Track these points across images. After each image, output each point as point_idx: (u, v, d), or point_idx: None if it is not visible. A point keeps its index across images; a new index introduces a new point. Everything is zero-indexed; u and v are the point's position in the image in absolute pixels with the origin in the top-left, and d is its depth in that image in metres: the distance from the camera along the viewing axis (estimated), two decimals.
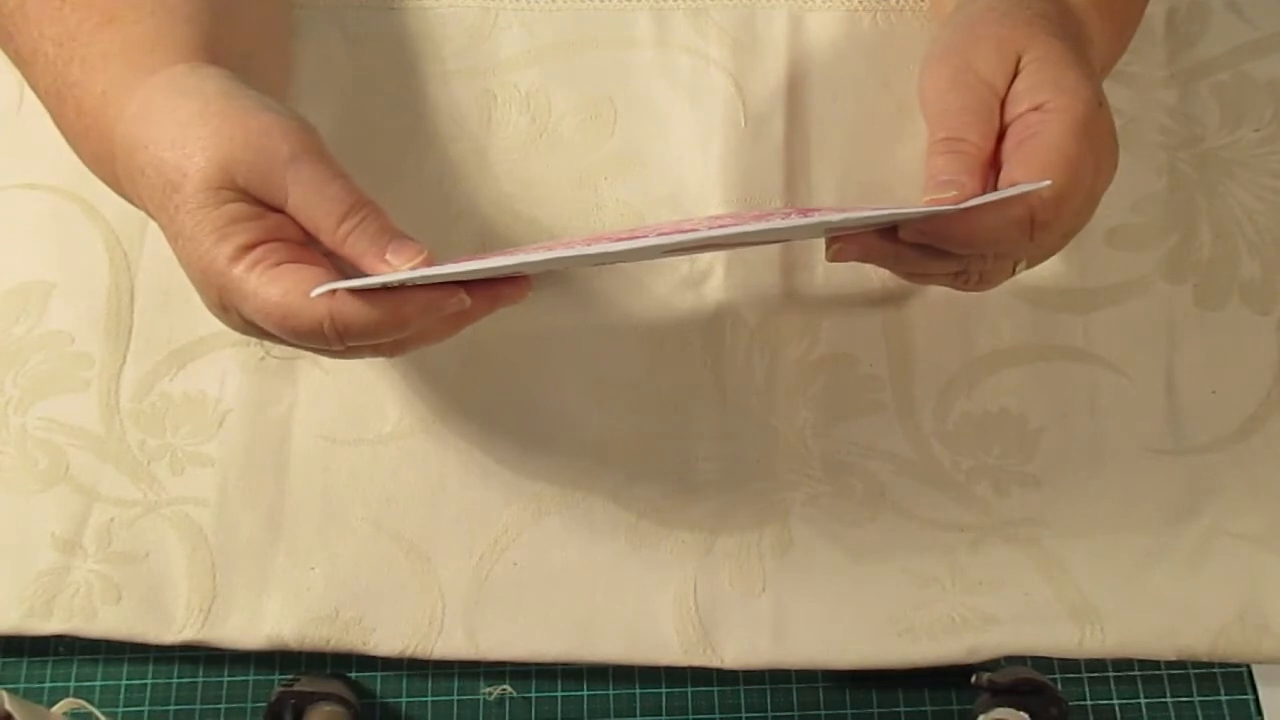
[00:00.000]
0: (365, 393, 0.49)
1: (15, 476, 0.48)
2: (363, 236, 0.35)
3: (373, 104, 0.51)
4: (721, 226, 0.35)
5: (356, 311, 0.34)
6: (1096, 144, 0.38)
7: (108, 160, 0.38)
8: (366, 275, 0.34)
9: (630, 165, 0.51)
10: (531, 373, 0.49)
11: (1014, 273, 0.41)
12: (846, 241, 0.39)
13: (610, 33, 0.53)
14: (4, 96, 0.52)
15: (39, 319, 0.49)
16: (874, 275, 0.49)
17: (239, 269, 0.34)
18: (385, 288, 0.34)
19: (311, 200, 0.34)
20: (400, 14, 0.53)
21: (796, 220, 0.35)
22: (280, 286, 0.34)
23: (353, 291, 0.33)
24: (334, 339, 0.34)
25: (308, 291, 0.33)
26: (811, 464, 0.48)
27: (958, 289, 0.42)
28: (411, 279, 0.34)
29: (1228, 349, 0.49)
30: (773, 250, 0.50)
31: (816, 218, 0.35)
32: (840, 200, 0.50)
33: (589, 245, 0.34)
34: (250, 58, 0.41)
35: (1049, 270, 0.50)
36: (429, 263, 0.35)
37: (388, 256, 0.34)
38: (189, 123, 0.35)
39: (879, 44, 0.52)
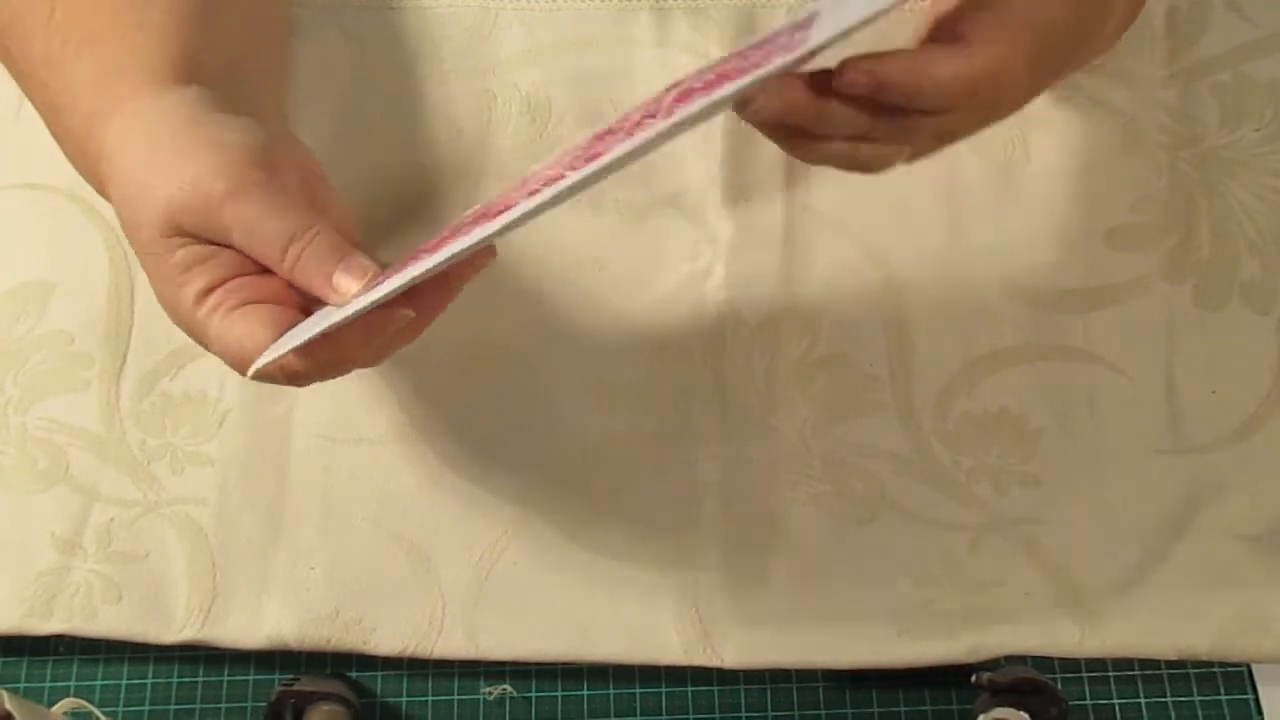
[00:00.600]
0: (365, 393, 0.49)
1: (15, 476, 0.48)
2: (307, 265, 0.34)
3: (372, 104, 0.51)
4: (629, 135, 0.31)
5: (300, 363, 0.33)
6: (1052, 46, 0.36)
7: (100, 186, 0.38)
8: (322, 302, 0.34)
9: (630, 165, 0.51)
10: (531, 373, 0.49)
11: (909, 159, 0.38)
12: (768, 97, 0.34)
13: (610, 33, 0.53)
14: (4, 98, 0.53)
15: (39, 319, 0.49)
16: (874, 274, 0.49)
17: (201, 313, 0.34)
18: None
19: (252, 237, 0.34)
20: (400, 14, 0.53)
21: (700, 102, 0.30)
22: (238, 332, 0.33)
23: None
24: (289, 383, 0.34)
25: (258, 339, 0.33)
26: (811, 464, 0.48)
27: (845, 167, 0.38)
28: (335, 323, 0.32)
29: (1228, 349, 0.49)
30: (773, 250, 0.50)
31: (728, 87, 0.30)
32: (842, 198, 0.50)
33: (502, 217, 0.31)
34: (241, 63, 0.41)
35: (1049, 270, 0.50)
36: (377, 278, 0.34)
37: (334, 283, 0.34)
38: (140, 168, 0.35)
39: (879, 44, 0.52)
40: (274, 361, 0.33)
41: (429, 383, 0.49)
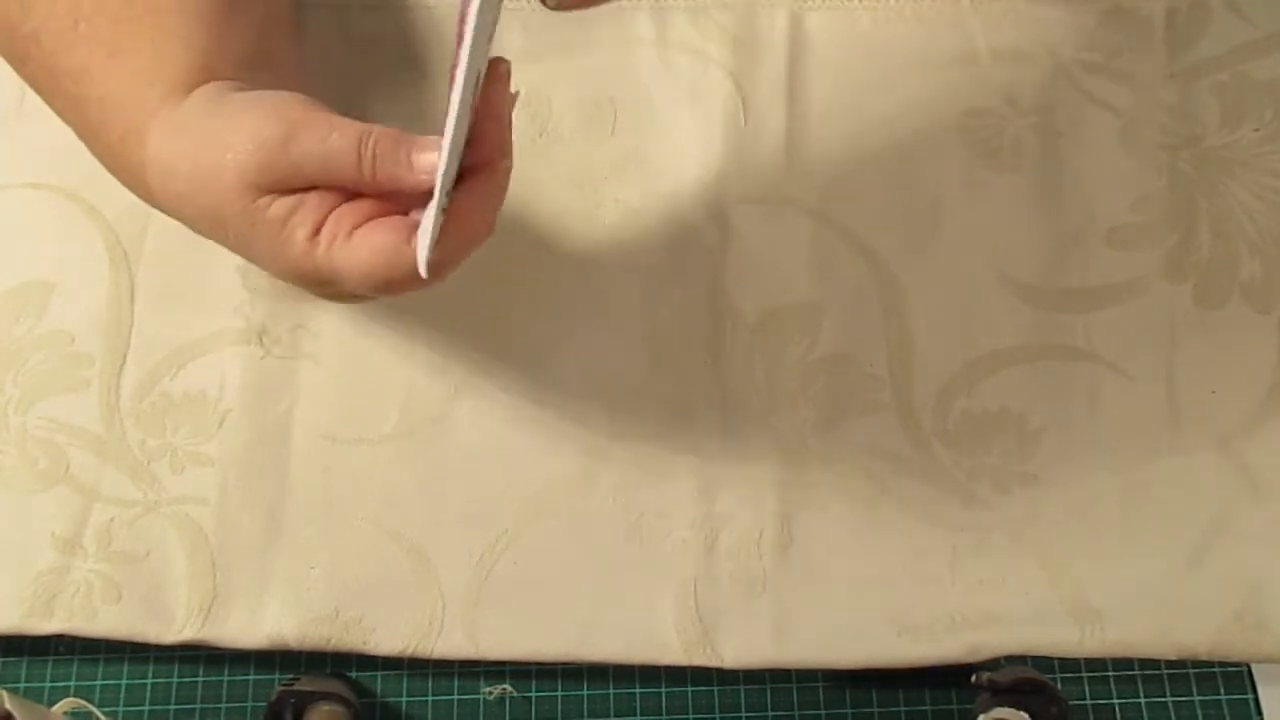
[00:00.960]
0: (365, 392, 0.49)
1: (15, 476, 0.48)
2: (384, 161, 0.34)
3: (373, 104, 0.51)
4: None
5: (446, 253, 0.34)
6: None
7: (147, 195, 0.38)
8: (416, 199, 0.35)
9: (630, 165, 0.51)
10: (531, 373, 0.49)
11: None
12: None
13: (610, 32, 0.53)
14: (5, 96, 0.53)
15: (39, 319, 0.49)
16: (873, 274, 0.50)
17: (319, 253, 0.35)
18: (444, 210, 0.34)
19: (325, 166, 0.34)
20: (400, 14, 0.53)
21: None
22: (365, 251, 0.34)
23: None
24: (436, 280, 0.34)
25: (390, 246, 0.34)
26: (811, 464, 0.48)
27: None
28: (442, 199, 0.33)
29: (1228, 349, 0.49)
30: (773, 249, 0.50)
31: None
32: (842, 198, 0.50)
33: (466, 29, 0.32)
34: (257, 58, 0.41)
35: (1049, 270, 0.50)
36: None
37: (414, 163, 0.34)
38: (194, 163, 0.35)
39: (879, 44, 0.52)
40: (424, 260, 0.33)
41: (430, 383, 0.49)
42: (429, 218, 0.33)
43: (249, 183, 0.34)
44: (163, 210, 0.39)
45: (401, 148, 0.34)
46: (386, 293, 0.35)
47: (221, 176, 0.35)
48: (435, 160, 0.33)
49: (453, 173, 0.33)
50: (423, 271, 0.33)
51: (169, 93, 0.37)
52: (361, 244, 0.34)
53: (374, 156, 0.34)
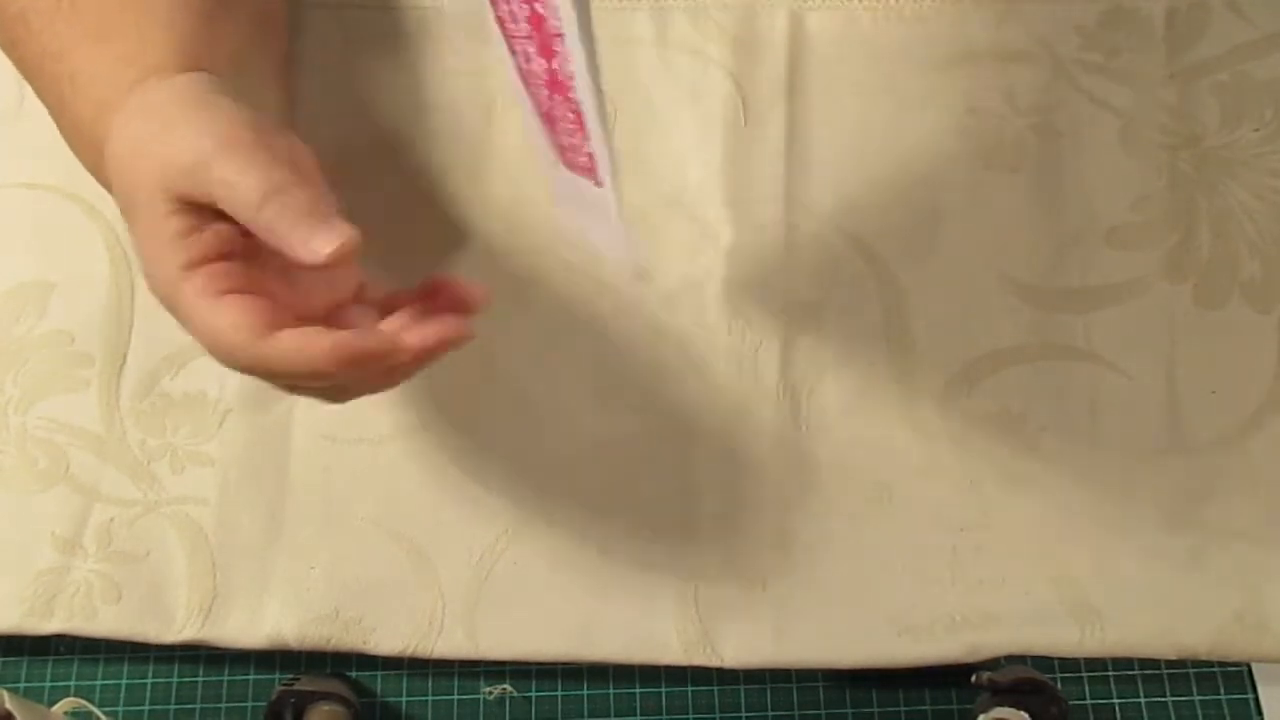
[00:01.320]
0: None
1: (15, 476, 0.48)
2: (282, 220, 0.33)
3: (373, 104, 0.51)
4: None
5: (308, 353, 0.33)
6: None
7: (105, 180, 0.38)
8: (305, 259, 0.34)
9: (630, 165, 0.51)
10: (532, 373, 0.49)
11: None
12: None
13: (610, 32, 0.53)
14: (4, 96, 0.53)
15: (39, 319, 0.49)
16: (873, 274, 0.49)
17: (187, 288, 0.34)
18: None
19: (232, 191, 0.33)
20: (400, 14, 0.53)
21: None
22: (222, 321, 0.33)
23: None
24: (299, 380, 0.34)
25: (248, 328, 0.33)
26: (812, 463, 0.48)
27: None
28: (611, 170, 0.31)
29: (1228, 349, 0.49)
30: (773, 250, 0.50)
31: None
32: (841, 198, 0.50)
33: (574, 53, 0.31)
34: (244, 60, 0.41)
35: (1049, 270, 0.50)
36: (355, 245, 0.32)
37: (309, 243, 0.32)
38: (138, 141, 0.35)
39: (879, 44, 0.52)
40: (276, 354, 0.33)
41: (430, 383, 0.49)
42: (612, 215, 0.32)
43: (159, 184, 0.34)
44: (106, 187, 0.38)
45: (305, 221, 0.33)
46: (224, 364, 0.34)
47: (143, 166, 0.34)
48: (329, 250, 0.32)
49: (607, 162, 0.32)
50: (636, 275, 0.32)
51: (150, 73, 0.37)
52: (223, 313, 0.33)
53: (275, 212, 0.33)
